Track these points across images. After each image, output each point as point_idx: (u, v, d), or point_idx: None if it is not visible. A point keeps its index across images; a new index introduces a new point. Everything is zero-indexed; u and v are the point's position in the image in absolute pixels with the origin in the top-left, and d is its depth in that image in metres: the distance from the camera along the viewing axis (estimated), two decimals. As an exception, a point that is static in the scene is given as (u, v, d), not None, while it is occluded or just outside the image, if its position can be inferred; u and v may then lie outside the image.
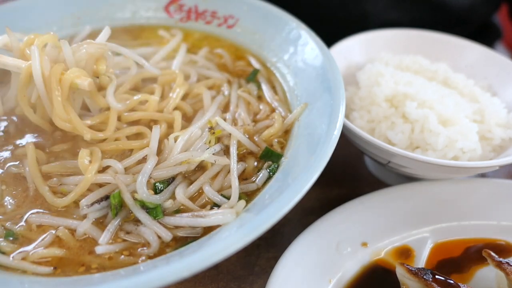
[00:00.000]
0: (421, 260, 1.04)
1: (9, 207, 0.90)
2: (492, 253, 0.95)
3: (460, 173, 1.13)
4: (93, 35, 1.31)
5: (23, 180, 0.94)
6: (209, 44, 1.30)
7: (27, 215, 0.88)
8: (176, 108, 1.07)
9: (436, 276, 0.90)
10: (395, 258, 1.03)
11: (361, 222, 1.04)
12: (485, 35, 1.50)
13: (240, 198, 0.89)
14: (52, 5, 1.32)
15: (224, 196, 0.90)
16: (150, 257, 0.82)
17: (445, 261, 1.05)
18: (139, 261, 0.81)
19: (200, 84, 1.14)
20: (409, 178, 1.23)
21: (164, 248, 0.84)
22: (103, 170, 0.93)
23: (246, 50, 1.28)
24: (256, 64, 1.23)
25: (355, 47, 1.38)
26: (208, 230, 0.85)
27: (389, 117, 1.19)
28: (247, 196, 0.91)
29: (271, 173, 0.93)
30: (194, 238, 0.84)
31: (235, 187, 0.89)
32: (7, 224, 0.87)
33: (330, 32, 1.34)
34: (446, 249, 1.07)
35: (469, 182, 1.15)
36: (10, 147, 1.00)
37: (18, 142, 1.02)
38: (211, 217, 0.84)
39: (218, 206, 0.89)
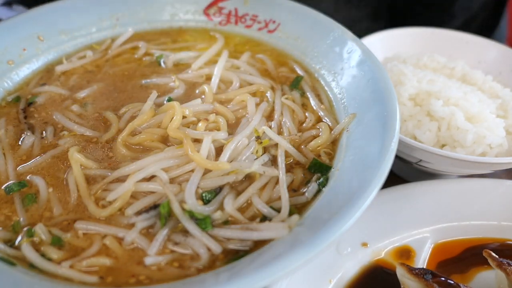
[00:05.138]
0: (422, 260, 1.05)
1: (56, 212, 0.88)
2: (493, 254, 0.95)
3: (494, 168, 1.15)
4: (134, 37, 1.30)
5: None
6: (250, 48, 1.28)
7: (74, 221, 0.86)
8: (218, 114, 1.05)
9: (437, 277, 0.91)
10: (395, 258, 1.04)
11: (361, 222, 1.04)
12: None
13: (290, 211, 0.86)
14: (91, 7, 1.31)
15: (273, 208, 0.87)
16: (199, 270, 0.80)
17: (446, 261, 1.06)
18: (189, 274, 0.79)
19: (243, 90, 1.11)
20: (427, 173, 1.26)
21: (214, 261, 0.81)
22: (148, 179, 0.91)
23: (288, 56, 1.25)
24: (299, 71, 1.20)
25: (371, 47, 1.39)
26: (258, 243, 0.82)
27: (414, 115, 1.21)
28: (297, 209, 0.88)
29: (320, 186, 0.91)
30: (245, 252, 0.81)
31: (285, 200, 0.87)
32: (54, 230, 0.85)
33: None
34: (446, 249, 1.07)
35: (469, 182, 1.15)
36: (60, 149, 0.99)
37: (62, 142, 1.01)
38: (263, 230, 0.81)
39: (266, 218, 0.87)
